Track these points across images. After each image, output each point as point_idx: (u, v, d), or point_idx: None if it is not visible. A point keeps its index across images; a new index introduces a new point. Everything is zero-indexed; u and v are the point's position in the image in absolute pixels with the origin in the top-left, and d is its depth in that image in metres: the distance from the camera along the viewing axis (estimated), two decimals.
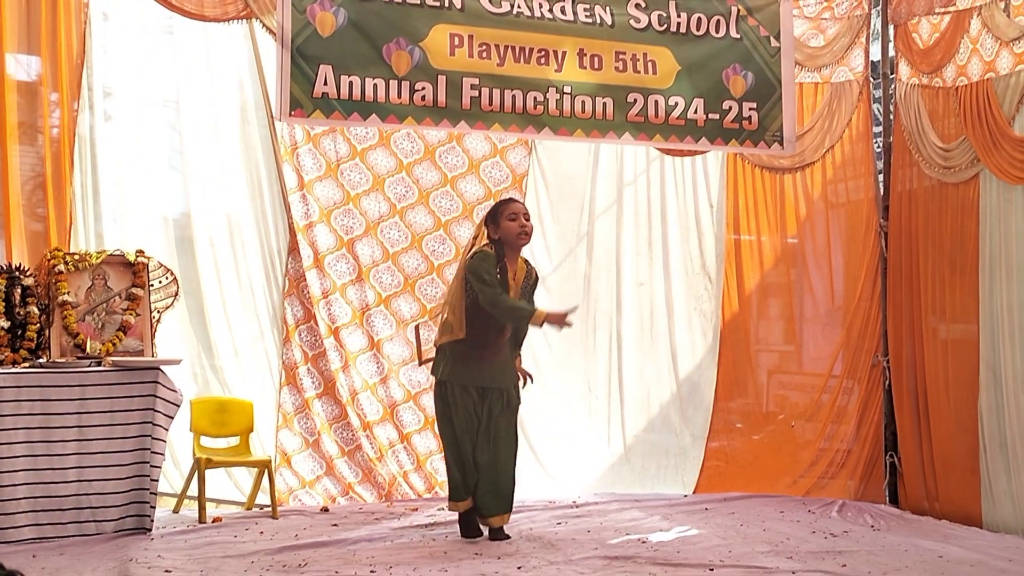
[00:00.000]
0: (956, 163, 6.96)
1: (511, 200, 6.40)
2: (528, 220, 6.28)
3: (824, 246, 7.96)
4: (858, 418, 7.65)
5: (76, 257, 6.49)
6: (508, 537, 6.21)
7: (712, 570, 5.48)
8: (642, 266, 8.08)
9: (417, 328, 7.00)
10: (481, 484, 6.21)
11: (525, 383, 6.53)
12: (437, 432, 6.68)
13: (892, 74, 7.60)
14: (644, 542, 6.19)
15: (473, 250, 6.22)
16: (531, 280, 6.42)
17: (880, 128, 7.82)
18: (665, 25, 7.00)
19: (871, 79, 7.75)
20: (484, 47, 6.65)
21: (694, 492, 7.85)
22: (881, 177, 7.70)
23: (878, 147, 7.83)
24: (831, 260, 7.94)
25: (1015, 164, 6.52)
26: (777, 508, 7.23)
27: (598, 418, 8.01)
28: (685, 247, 8.09)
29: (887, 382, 7.53)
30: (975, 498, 6.82)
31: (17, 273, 6.30)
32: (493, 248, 6.19)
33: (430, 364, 6.48)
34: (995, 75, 6.70)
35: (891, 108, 7.63)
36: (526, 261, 6.45)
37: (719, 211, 8.06)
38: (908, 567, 5.58)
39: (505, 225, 6.21)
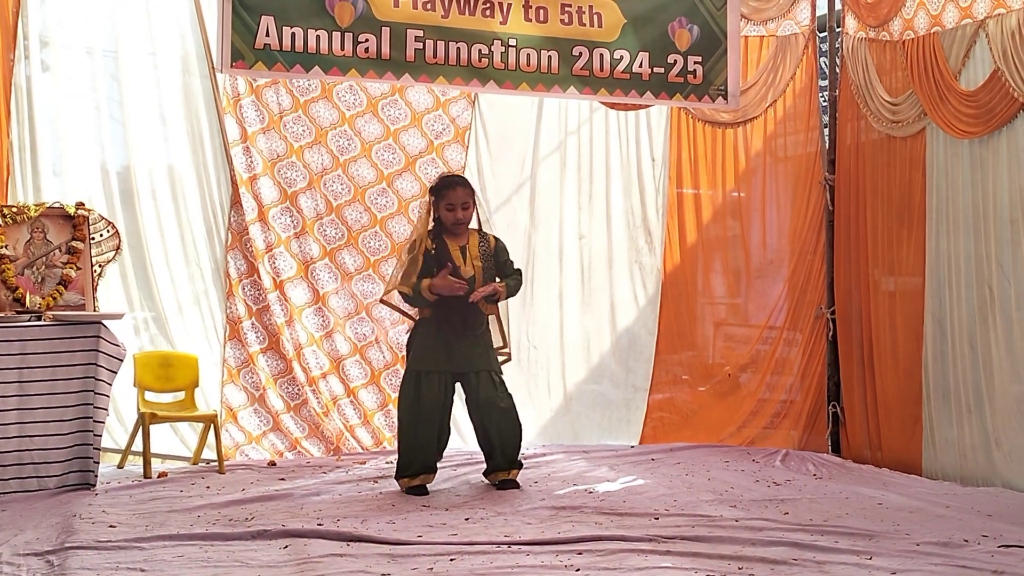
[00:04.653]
0: (904, 117, 6.99)
1: (453, 186, 6.31)
2: (465, 209, 6.28)
3: (766, 200, 7.99)
4: (801, 369, 7.72)
5: (14, 210, 6.36)
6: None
7: (657, 519, 5.51)
8: (583, 220, 8.07)
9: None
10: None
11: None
12: None
13: (839, 28, 7.60)
14: (591, 492, 6.22)
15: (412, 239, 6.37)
16: (489, 249, 6.39)
17: (826, 82, 7.84)
18: None
19: (817, 33, 7.75)
20: None
21: (640, 443, 7.90)
22: (827, 131, 7.72)
23: (824, 101, 7.85)
24: (772, 214, 7.97)
25: (961, 118, 6.56)
26: (722, 458, 7.30)
27: (538, 368, 8.02)
28: (627, 201, 8.07)
29: (831, 333, 7.59)
30: (916, 447, 6.92)
31: None
32: (432, 239, 6.29)
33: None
34: (941, 29, 6.73)
35: (837, 62, 7.64)
36: (479, 232, 6.43)
37: (662, 165, 8.06)
38: (848, 514, 5.65)
39: (442, 213, 6.30)
